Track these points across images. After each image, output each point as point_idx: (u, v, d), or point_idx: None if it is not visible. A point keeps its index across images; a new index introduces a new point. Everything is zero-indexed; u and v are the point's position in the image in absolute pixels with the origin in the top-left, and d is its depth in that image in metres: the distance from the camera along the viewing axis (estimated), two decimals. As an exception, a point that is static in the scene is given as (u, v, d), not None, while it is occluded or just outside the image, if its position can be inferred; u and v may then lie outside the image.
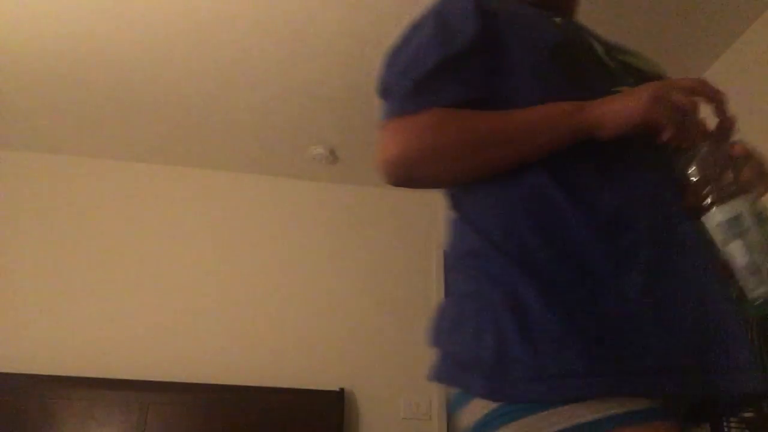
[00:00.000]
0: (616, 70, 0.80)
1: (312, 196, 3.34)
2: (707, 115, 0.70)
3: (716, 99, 0.70)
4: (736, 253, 0.65)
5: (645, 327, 0.61)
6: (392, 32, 2.73)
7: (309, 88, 2.61)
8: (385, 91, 0.80)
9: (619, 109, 0.68)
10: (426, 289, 3.20)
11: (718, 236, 0.67)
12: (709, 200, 0.67)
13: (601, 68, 0.79)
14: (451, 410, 0.70)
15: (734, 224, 0.65)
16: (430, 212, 3.39)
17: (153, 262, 3.04)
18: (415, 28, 0.83)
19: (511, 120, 0.71)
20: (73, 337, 2.82)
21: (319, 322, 3.05)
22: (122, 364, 2.78)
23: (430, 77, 0.74)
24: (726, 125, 0.71)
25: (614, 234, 0.66)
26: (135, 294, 2.96)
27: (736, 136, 0.72)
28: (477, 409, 0.64)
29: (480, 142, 0.72)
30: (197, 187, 3.25)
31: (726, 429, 1.67)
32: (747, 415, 1.62)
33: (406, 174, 0.74)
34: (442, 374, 0.70)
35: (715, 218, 0.66)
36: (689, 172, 0.69)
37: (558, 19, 0.83)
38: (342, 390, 2.84)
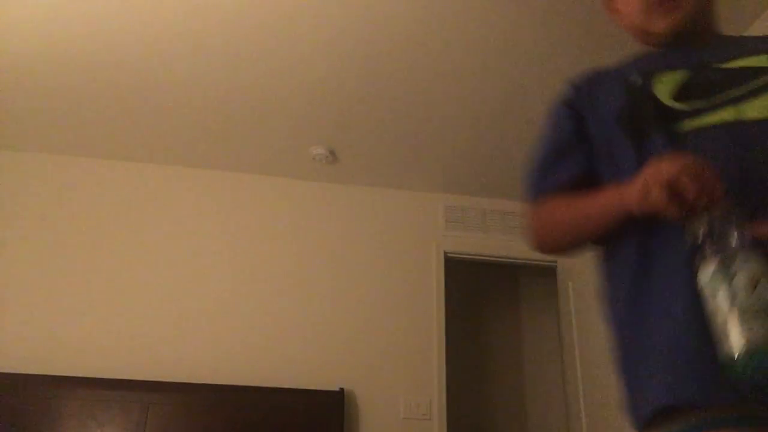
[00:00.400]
0: (686, 105, 0.87)
1: (312, 196, 3.34)
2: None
3: (691, 190, 0.71)
4: (711, 315, 0.68)
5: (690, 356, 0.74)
6: (393, 33, 2.71)
7: (309, 88, 2.61)
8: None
9: (625, 200, 0.81)
10: (426, 289, 3.21)
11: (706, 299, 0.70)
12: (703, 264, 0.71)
13: (663, 115, 0.87)
14: None
15: (707, 290, 0.69)
16: (430, 212, 3.39)
17: (153, 262, 3.04)
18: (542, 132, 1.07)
19: (577, 208, 0.92)
20: (73, 337, 2.82)
21: (319, 322, 3.05)
22: (122, 364, 2.79)
23: (538, 172, 1.01)
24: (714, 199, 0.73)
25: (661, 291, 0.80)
26: (135, 294, 2.96)
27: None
28: None
29: (558, 227, 0.96)
30: (197, 187, 3.25)
31: None
32: None
33: (534, 246, 1.00)
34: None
35: (699, 284, 0.71)
36: (689, 238, 0.74)
37: (634, 76, 0.94)
38: (342, 390, 2.84)
